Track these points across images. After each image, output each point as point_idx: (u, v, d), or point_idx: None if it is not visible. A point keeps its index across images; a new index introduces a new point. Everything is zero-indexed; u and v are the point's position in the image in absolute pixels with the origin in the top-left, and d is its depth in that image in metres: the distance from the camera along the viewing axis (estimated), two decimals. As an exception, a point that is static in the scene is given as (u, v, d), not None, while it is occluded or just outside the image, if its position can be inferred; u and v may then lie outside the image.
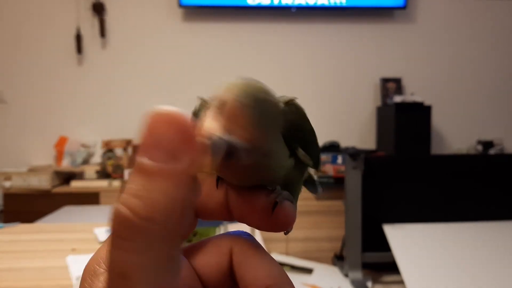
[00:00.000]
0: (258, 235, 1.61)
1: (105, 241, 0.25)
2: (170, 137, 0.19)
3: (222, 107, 0.24)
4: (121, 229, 0.18)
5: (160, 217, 0.18)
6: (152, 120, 0.19)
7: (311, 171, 0.34)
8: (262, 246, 0.27)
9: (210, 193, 0.27)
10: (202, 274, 0.26)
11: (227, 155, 0.23)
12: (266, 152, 0.26)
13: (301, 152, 0.29)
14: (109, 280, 0.19)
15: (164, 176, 0.18)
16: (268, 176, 0.27)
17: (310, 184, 0.36)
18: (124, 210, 0.18)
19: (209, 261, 0.26)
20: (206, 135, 0.22)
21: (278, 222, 0.27)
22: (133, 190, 0.18)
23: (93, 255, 0.24)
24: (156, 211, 0.18)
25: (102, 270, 0.23)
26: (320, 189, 0.35)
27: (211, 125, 0.23)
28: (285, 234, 0.29)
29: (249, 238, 0.27)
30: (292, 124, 0.28)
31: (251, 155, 0.24)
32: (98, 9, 3.24)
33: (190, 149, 0.19)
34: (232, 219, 0.28)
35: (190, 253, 0.27)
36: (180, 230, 0.19)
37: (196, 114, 0.29)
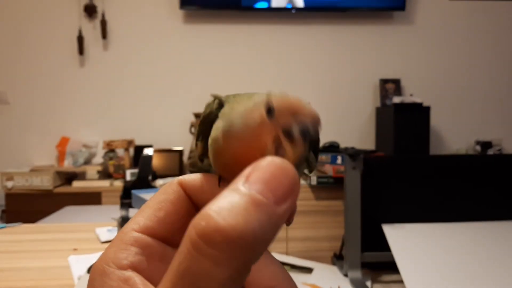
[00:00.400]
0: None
1: (112, 242, 0.26)
2: (284, 185, 0.21)
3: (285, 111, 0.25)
4: (213, 237, 0.19)
5: (250, 241, 0.19)
6: (273, 168, 0.21)
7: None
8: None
9: (212, 191, 0.27)
10: None
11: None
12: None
13: (311, 156, 0.31)
14: (174, 283, 0.20)
15: (268, 211, 0.20)
16: None
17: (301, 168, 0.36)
18: (221, 219, 0.19)
19: None
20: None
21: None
22: (234, 208, 0.19)
23: (101, 256, 0.25)
24: (249, 235, 0.19)
25: (112, 269, 0.24)
26: (314, 165, 0.36)
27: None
28: (287, 225, 0.29)
29: None
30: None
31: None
32: (90, 11, 3.24)
33: (293, 197, 0.21)
34: None
35: None
36: (254, 261, 0.20)
37: (213, 113, 0.30)
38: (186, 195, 0.28)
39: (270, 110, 0.25)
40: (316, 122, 0.25)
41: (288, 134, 0.25)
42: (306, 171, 0.32)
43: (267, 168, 0.21)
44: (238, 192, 0.20)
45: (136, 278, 0.24)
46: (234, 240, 0.19)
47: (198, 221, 0.19)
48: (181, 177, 0.29)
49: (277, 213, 0.20)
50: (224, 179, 0.28)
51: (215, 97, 0.30)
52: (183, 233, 0.24)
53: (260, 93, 0.28)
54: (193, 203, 0.28)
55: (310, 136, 0.24)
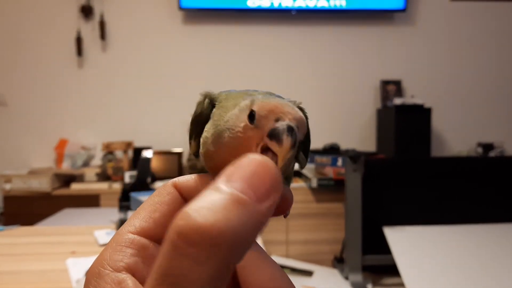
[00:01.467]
0: (258, 238, 1.61)
1: (107, 244, 0.26)
2: (266, 183, 0.21)
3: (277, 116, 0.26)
4: (191, 235, 0.19)
5: (230, 239, 0.19)
6: (254, 166, 0.21)
7: None
8: (263, 250, 0.28)
9: None
10: None
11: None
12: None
13: (301, 156, 0.31)
14: (153, 279, 0.20)
15: (249, 209, 0.20)
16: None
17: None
18: (200, 218, 0.19)
19: None
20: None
21: (279, 206, 0.27)
22: (214, 206, 0.19)
23: (97, 258, 0.25)
24: (229, 233, 0.19)
25: (107, 271, 0.24)
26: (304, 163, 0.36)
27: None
28: (285, 217, 0.30)
29: None
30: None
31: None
32: (87, 12, 3.23)
33: (275, 195, 0.21)
34: None
35: None
36: (236, 260, 0.20)
37: (204, 113, 0.31)
38: (181, 196, 0.28)
39: (252, 117, 0.26)
40: (299, 122, 0.26)
41: (273, 138, 0.25)
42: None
43: (248, 165, 0.21)
44: (219, 190, 0.20)
45: (129, 280, 0.24)
46: (214, 238, 0.19)
47: (178, 221, 0.19)
48: (175, 179, 0.29)
49: (259, 211, 0.20)
50: None
51: (205, 96, 0.31)
52: None
53: (249, 93, 0.29)
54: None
55: (295, 137, 0.25)
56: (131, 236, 0.26)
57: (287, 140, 0.24)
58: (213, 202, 0.19)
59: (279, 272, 0.27)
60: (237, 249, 0.19)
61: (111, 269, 0.24)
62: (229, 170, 0.21)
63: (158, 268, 0.20)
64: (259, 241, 1.60)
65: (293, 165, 0.31)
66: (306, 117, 0.31)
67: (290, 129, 0.24)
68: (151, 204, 0.28)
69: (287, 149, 0.24)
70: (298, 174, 3.20)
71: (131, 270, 0.24)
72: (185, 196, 0.28)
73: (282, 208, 0.28)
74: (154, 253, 0.26)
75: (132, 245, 0.25)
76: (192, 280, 0.19)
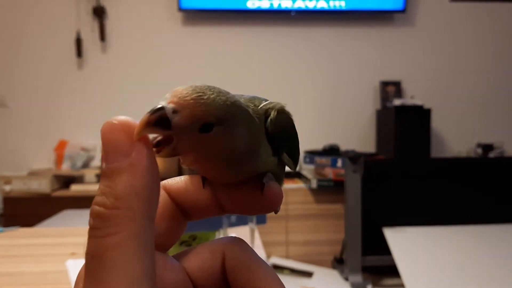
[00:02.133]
0: (257, 239, 1.61)
1: None
2: (118, 141, 0.23)
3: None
4: (95, 222, 0.22)
5: (123, 203, 0.22)
6: (103, 131, 0.23)
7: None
8: (254, 251, 0.28)
9: (198, 192, 0.28)
10: (195, 279, 0.27)
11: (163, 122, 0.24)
12: (245, 148, 0.27)
13: (286, 157, 0.31)
14: (85, 265, 0.22)
15: (119, 172, 0.22)
16: (252, 172, 0.28)
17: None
18: (94, 207, 0.22)
19: (202, 266, 0.27)
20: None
21: (268, 201, 0.28)
22: (100, 191, 0.23)
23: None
24: (118, 200, 0.22)
25: None
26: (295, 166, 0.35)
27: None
28: (275, 213, 0.30)
29: (241, 243, 0.28)
30: (281, 131, 0.30)
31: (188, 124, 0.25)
32: (99, 13, 3.24)
33: (136, 144, 0.23)
34: (223, 213, 0.29)
35: (183, 258, 0.28)
36: (145, 212, 0.22)
37: None
38: (170, 198, 0.29)
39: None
40: (181, 106, 0.25)
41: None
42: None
43: (101, 135, 0.23)
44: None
45: None
46: (106, 213, 0.22)
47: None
48: (164, 181, 0.29)
49: (123, 168, 0.23)
50: (208, 179, 0.29)
51: None
52: (168, 236, 0.27)
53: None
54: (177, 206, 0.29)
55: (158, 114, 0.24)
56: None
57: (145, 116, 0.24)
58: (98, 188, 0.23)
59: (268, 272, 0.27)
60: (135, 206, 0.22)
61: None
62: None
63: (86, 252, 0.22)
64: (258, 242, 1.60)
65: (276, 162, 0.31)
66: (290, 121, 0.31)
67: (157, 109, 0.24)
68: None
69: (142, 122, 0.23)
70: (298, 175, 3.20)
71: None
72: (174, 198, 0.29)
73: (272, 201, 0.28)
74: None
75: None
76: (105, 250, 0.21)
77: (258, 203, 0.28)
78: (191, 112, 0.25)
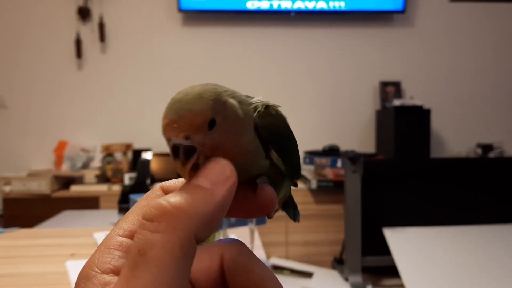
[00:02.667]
0: (257, 240, 1.61)
1: (97, 247, 0.27)
2: (218, 175, 0.26)
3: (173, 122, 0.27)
4: (152, 213, 0.24)
5: (188, 213, 0.24)
6: (212, 164, 0.26)
7: (292, 192, 0.36)
8: (252, 252, 0.28)
9: None
10: (194, 281, 0.28)
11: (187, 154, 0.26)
12: (236, 149, 0.28)
13: (274, 155, 0.31)
14: (128, 259, 0.23)
15: (206, 193, 0.25)
16: (244, 172, 0.28)
17: (290, 207, 0.38)
18: (162, 200, 0.24)
19: (201, 267, 0.28)
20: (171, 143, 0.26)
21: (261, 204, 0.29)
22: (176, 193, 0.25)
23: (86, 262, 0.26)
24: (186, 208, 0.24)
25: (95, 273, 0.25)
26: (298, 217, 0.37)
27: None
28: (269, 218, 0.30)
29: (240, 244, 0.28)
30: (269, 127, 0.30)
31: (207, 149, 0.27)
32: (84, 14, 3.23)
33: (226, 183, 0.26)
34: None
35: None
36: (202, 231, 0.24)
37: None
38: None
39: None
40: (183, 129, 0.27)
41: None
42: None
43: (208, 165, 0.26)
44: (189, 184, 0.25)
45: (116, 281, 0.24)
46: (170, 212, 0.23)
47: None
48: (163, 183, 0.30)
49: (215, 193, 0.25)
50: None
51: None
52: None
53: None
54: None
55: (183, 152, 0.26)
56: (119, 239, 0.27)
57: (178, 162, 0.26)
58: (177, 191, 0.25)
59: (267, 273, 0.27)
60: (197, 221, 0.24)
61: (98, 271, 0.25)
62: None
63: (132, 246, 0.23)
64: (258, 242, 1.60)
65: (269, 165, 0.31)
66: (279, 117, 0.32)
67: (175, 153, 0.26)
68: (139, 207, 0.28)
69: (181, 165, 0.26)
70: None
71: (119, 272, 0.25)
72: None
73: (265, 204, 0.29)
74: None
75: (121, 248, 0.26)
76: (156, 247, 0.22)
77: (251, 205, 0.29)
78: (192, 121, 0.26)
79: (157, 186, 0.30)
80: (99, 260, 0.25)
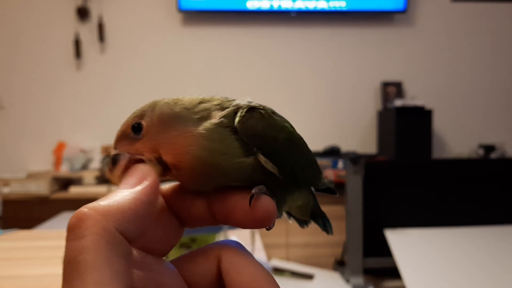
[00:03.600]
0: (258, 241, 1.60)
1: None
2: (133, 177, 0.28)
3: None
4: (70, 224, 0.24)
5: (97, 211, 0.24)
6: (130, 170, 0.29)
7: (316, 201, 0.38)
8: (249, 253, 0.28)
9: (192, 200, 0.29)
10: (191, 283, 0.28)
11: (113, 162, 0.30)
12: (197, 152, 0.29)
13: (262, 159, 0.30)
14: (63, 275, 0.24)
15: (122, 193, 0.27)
16: (221, 174, 0.29)
17: (318, 218, 0.38)
18: (80, 209, 0.25)
19: (197, 269, 0.28)
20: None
21: (257, 215, 0.28)
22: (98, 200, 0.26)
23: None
24: (92, 208, 0.25)
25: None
26: (331, 229, 0.39)
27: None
28: (267, 229, 0.30)
29: (237, 245, 0.29)
30: (249, 129, 0.30)
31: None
32: (83, 14, 3.22)
33: (143, 182, 0.28)
34: (216, 223, 0.29)
35: (179, 262, 0.29)
36: (120, 221, 0.24)
37: None
38: (166, 204, 0.30)
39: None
40: (118, 144, 0.32)
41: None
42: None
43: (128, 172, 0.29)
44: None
45: None
46: (87, 214, 0.24)
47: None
48: (163, 186, 0.31)
49: (131, 191, 0.26)
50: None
51: None
52: (164, 242, 0.29)
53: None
54: (173, 212, 0.30)
55: (110, 163, 0.29)
56: None
57: (106, 171, 0.29)
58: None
59: (263, 273, 0.27)
60: (116, 217, 0.24)
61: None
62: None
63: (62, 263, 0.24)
64: (259, 244, 1.58)
65: (272, 180, 0.31)
66: (264, 119, 0.31)
67: (105, 162, 0.28)
68: None
69: (108, 174, 0.29)
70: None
71: None
72: (169, 204, 0.30)
73: (262, 216, 0.28)
74: (135, 256, 0.27)
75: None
76: (79, 252, 0.23)
77: (246, 217, 0.28)
78: (118, 133, 0.31)
79: None
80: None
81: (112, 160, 0.28)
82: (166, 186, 0.30)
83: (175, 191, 0.30)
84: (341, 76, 3.41)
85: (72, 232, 0.24)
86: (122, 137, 0.29)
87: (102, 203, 0.25)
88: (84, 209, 0.24)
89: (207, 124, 0.30)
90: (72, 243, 0.23)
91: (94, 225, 0.23)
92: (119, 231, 0.24)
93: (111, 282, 0.22)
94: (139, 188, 0.26)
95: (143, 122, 0.29)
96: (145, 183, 0.27)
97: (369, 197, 2.67)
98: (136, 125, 0.29)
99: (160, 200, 0.30)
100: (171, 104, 0.31)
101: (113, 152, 0.29)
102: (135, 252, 0.27)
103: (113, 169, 0.28)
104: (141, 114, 0.31)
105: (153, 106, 0.31)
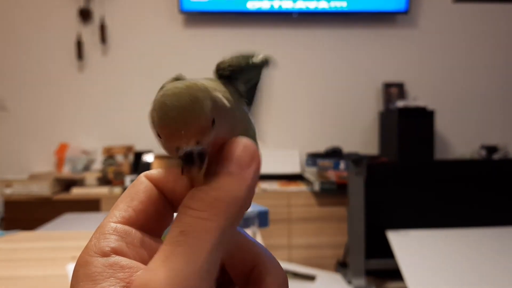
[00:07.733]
0: (260, 241, 1.59)
1: (92, 236, 0.27)
2: (246, 157, 0.28)
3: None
4: (197, 204, 0.25)
5: (223, 202, 0.25)
6: (236, 148, 0.28)
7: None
8: (246, 232, 0.30)
9: (175, 181, 0.29)
10: None
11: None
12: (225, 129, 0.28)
13: (241, 86, 0.34)
14: (169, 238, 0.25)
15: (237, 177, 0.27)
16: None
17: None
18: (199, 192, 0.26)
19: None
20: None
21: (240, 153, 0.28)
22: (207, 185, 0.26)
23: (83, 250, 0.26)
24: (223, 195, 0.26)
25: (95, 257, 0.25)
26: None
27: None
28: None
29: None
30: (237, 68, 0.34)
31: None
32: (85, 16, 3.22)
33: (254, 164, 0.28)
34: None
35: None
36: (235, 217, 0.26)
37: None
38: (153, 185, 0.30)
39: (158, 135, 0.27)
40: (193, 134, 0.27)
41: (184, 164, 0.27)
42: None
43: (233, 149, 0.27)
44: (219, 172, 0.26)
45: (123, 261, 0.25)
46: (211, 202, 0.25)
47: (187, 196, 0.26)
48: (146, 172, 0.30)
49: (244, 177, 0.26)
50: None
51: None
52: (157, 219, 0.29)
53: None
54: (160, 192, 0.30)
55: (196, 158, 0.26)
56: (113, 225, 0.28)
57: (189, 171, 0.26)
58: (214, 181, 0.26)
59: (260, 249, 0.29)
60: (234, 209, 0.25)
61: (98, 255, 0.25)
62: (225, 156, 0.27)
63: (173, 227, 0.25)
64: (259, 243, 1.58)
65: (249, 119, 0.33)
66: (243, 55, 0.35)
67: (189, 160, 0.26)
68: (127, 195, 0.29)
69: (196, 173, 0.26)
70: (301, 178, 3.18)
71: (118, 253, 0.26)
72: (156, 187, 0.30)
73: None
74: (138, 238, 0.27)
75: (116, 232, 0.27)
76: (198, 231, 0.24)
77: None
78: (199, 126, 0.26)
79: (141, 174, 0.30)
80: (96, 246, 0.26)
81: (199, 156, 0.26)
82: (152, 171, 0.30)
83: (160, 174, 0.30)
84: (343, 77, 3.41)
85: (194, 210, 0.25)
86: (206, 131, 0.26)
87: (223, 191, 0.26)
88: (206, 195, 0.26)
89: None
90: (192, 219, 0.25)
91: (217, 214, 0.25)
92: (232, 223, 0.26)
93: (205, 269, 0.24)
94: (250, 173, 0.27)
95: (215, 117, 0.27)
96: (254, 166, 0.27)
97: (371, 198, 2.66)
98: (213, 119, 0.27)
99: (146, 181, 0.29)
100: (223, 99, 0.29)
101: (194, 147, 0.26)
102: (134, 231, 0.28)
103: (202, 167, 0.26)
104: (212, 107, 0.27)
105: (214, 98, 0.28)
